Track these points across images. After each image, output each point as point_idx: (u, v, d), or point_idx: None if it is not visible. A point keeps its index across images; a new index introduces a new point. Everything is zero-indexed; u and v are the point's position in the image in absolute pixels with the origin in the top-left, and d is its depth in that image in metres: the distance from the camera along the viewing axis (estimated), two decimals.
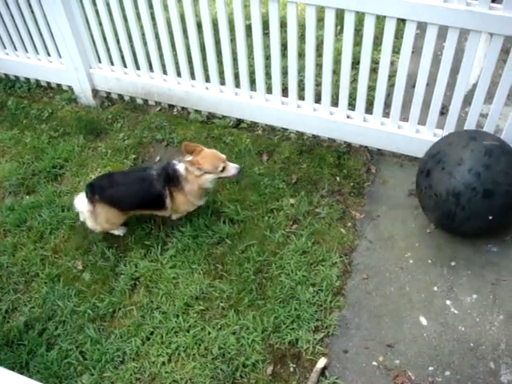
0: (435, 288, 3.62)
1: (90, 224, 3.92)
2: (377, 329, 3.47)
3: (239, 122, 4.91)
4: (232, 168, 3.64)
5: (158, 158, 4.70)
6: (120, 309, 3.72)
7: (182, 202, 3.81)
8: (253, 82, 4.61)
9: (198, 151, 3.60)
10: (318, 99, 4.43)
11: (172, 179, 3.70)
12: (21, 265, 4.04)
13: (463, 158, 3.49)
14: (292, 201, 4.18)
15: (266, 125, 4.81)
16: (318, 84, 4.38)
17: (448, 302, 3.55)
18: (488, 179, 3.41)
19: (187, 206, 3.90)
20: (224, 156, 3.64)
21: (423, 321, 3.48)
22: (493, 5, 3.36)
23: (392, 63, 3.97)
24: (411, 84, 4.05)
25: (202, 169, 3.58)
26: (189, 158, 3.59)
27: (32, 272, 3.99)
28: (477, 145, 3.53)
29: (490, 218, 3.48)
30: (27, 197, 4.52)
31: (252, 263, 3.82)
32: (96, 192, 3.74)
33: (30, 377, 3.33)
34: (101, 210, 3.79)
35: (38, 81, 5.60)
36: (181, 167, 3.68)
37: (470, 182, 3.42)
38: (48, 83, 5.56)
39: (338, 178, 4.31)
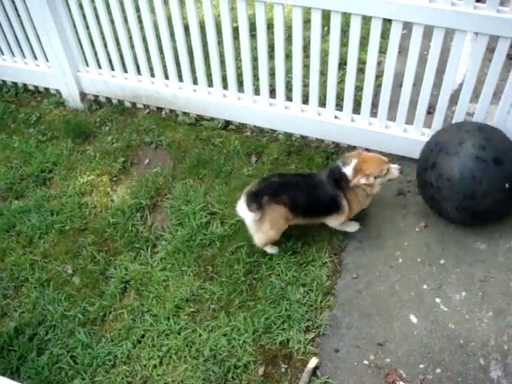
0: (425, 286, 3.63)
1: (255, 238, 3.72)
2: (367, 328, 3.47)
3: (227, 123, 4.90)
4: (394, 170, 3.62)
5: (146, 161, 4.69)
6: (110, 312, 3.70)
7: (356, 206, 3.72)
8: (240, 84, 4.61)
9: (359, 157, 3.56)
10: (305, 100, 4.44)
11: (342, 184, 3.58)
12: (10, 270, 4.02)
13: (462, 137, 3.59)
14: None
15: (255, 126, 4.81)
16: (306, 85, 4.39)
17: (437, 300, 3.56)
18: (492, 149, 3.52)
19: (358, 209, 3.80)
20: (386, 158, 3.61)
21: (413, 319, 3.49)
22: (477, 4, 3.38)
23: (379, 63, 3.99)
24: (398, 84, 4.07)
25: (370, 175, 3.52)
26: (352, 163, 3.53)
27: (21, 277, 3.97)
28: (469, 125, 3.73)
29: (507, 186, 3.50)
30: (16, 201, 4.50)
31: (242, 264, 3.81)
32: (267, 195, 3.52)
33: (21, 382, 3.30)
34: (271, 213, 3.56)
35: (25, 85, 5.57)
36: (348, 171, 3.54)
37: (478, 155, 3.49)
38: (35, 87, 5.54)
39: None
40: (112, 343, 3.55)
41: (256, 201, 3.46)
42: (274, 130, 4.75)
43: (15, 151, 4.90)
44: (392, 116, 4.22)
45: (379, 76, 4.18)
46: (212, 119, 4.93)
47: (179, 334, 3.53)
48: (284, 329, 3.49)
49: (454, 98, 4.04)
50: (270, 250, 3.84)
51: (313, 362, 3.30)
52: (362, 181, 3.49)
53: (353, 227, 3.92)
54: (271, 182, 3.64)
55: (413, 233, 3.92)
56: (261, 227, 3.60)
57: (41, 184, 4.60)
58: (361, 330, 3.47)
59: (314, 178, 3.69)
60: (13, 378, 3.36)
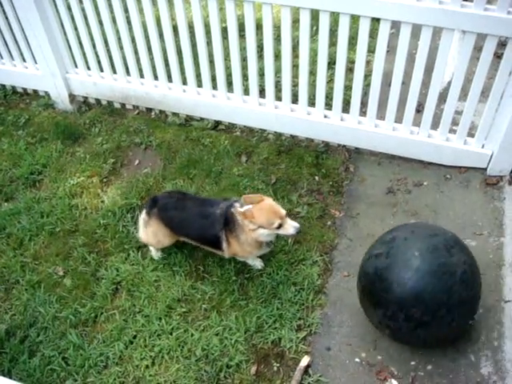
0: None
1: (139, 232, 3.82)
2: (358, 326, 3.48)
3: (217, 123, 4.91)
4: (290, 227, 3.28)
5: (136, 162, 4.69)
6: (102, 313, 3.69)
7: (239, 250, 3.52)
8: (230, 84, 4.61)
9: (257, 201, 3.30)
10: (295, 100, 4.45)
11: (229, 223, 3.41)
12: (0, 272, 4.00)
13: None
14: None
15: (244, 126, 4.82)
16: (295, 85, 4.40)
17: None
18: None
19: (245, 253, 3.59)
20: (283, 212, 3.28)
21: None
22: (464, 3, 3.41)
23: (368, 63, 4.02)
24: (387, 83, 4.08)
25: (255, 223, 3.27)
26: (247, 207, 3.29)
27: (12, 279, 3.95)
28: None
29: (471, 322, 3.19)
30: (6, 204, 4.48)
31: (233, 264, 3.81)
32: (157, 208, 3.61)
33: (15, 380, 3.29)
34: (154, 225, 3.66)
35: (13, 87, 5.56)
36: (239, 212, 3.33)
37: None
38: (24, 89, 5.52)
39: (316, 178, 4.33)
40: (104, 344, 3.54)
41: (151, 206, 3.62)
42: (264, 130, 4.76)
43: (4, 153, 4.88)
44: (381, 115, 4.23)
45: (368, 75, 4.20)
46: (202, 119, 4.93)
47: (171, 334, 3.53)
48: (276, 328, 3.50)
49: (442, 97, 4.07)
50: (154, 252, 3.92)
51: (305, 360, 3.30)
52: (246, 224, 3.31)
53: (255, 264, 3.80)
54: (171, 197, 3.69)
55: None
56: (146, 230, 3.73)
57: (31, 186, 4.59)
58: (352, 328, 3.48)
59: (208, 208, 3.52)
60: None
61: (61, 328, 3.65)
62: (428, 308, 2.93)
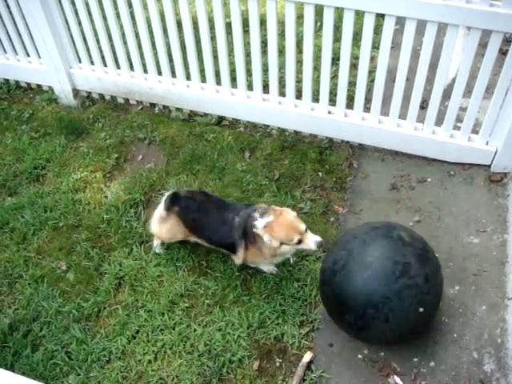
0: None
1: (153, 225, 3.81)
2: None
3: (221, 119, 4.91)
4: (311, 242, 3.20)
5: (140, 157, 4.69)
6: (105, 308, 3.70)
7: (256, 259, 3.54)
8: (234, 80, 4.61)
9: (277, 214, 3.25)
10: (299, 95, 4.45)
11: (249, 234, 3.37)
12: (4, 266, 4.01)
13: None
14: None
15: (248, 122, 4.81)
16: (299, 80, 4.40)
17: None
18: None
19: (261, 263, 3.63)
20: (303, 227, 3.20)
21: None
22: None
23: (372, 59, 4.00)
24: (391, 79, 4.08)
25: (275, 238, 3.22)
26: (268, 219, 3.25)
27: (15, 273, 3.97)
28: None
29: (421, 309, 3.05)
30: (9, 198, 4.49)
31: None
32: (179, 207, 3.59)
33: (18, 374, 3.30)
34: (173, 223, 3.64)
35: (17, 82, 5.56)
36: (259, 224, 3.27)
37: None
38: (28, 84, 5.53)
39: (320, 174, 4.33)
40: (107, 339, 3.55)
41: (172, 203, 3.58)
42: (268, 126, 4.75)
43: (8, 148, 4.89)
44: (385, 111, 4.23)
45: (372, 71, 4.19)
46: (205, 115, 4.93)
47: (174, 329, 3.54)
48: (278, 323, 3.50)
49: (447, 93, 4.06)
50: (157, 247, 3.93)
51: (307, 356, 3.31)
52: (266, 239, 3.25)
53: (270, 269, 3.76)
54: (194, 198, 3.63)
55: (406, 226, 3.90)
56: (161, 225, 3.70)
57: (34, 181, 4.60)
58: None
59: (229, 214, 3.49)
60: None
61: (64, 322, 3.66)
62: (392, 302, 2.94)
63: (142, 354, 3.46)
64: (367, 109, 4.33)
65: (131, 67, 4.89)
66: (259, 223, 3.26)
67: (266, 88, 4.57)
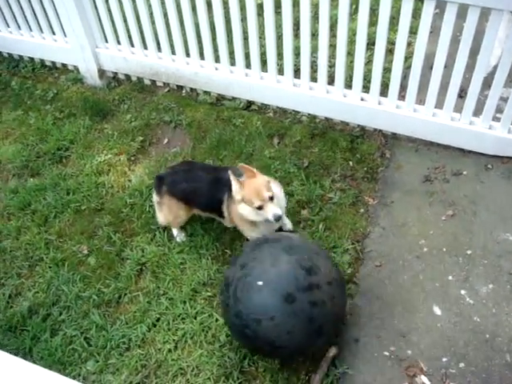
0: (450, 277, 3.60)
1: (157, 216, 3.92)
2: (389, 318, 3.46)
3: (250, 103, 4.89)
4: (269, 212, 3.27)
5: (165, 141, 4.70)
6: (126, 294, 3.73)
7: (235, 219, 3.60)
8: (264, 63, 4.59)
9: (249, 176, 3.34)
10: (331, 81, 4.41)
11: (230, 189, 3.43)
12: (25, 249, 4.07)
13: None
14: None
15: (278, 107, 4.79)
16: (332, 65, 4.36)
17: (463, 292, 3.52)
18: None
19: (240, 226, 3.64)
20: (267, 195, 3.26)
21: (437, 311, 3.47)
22: None
23: (409, 44, 3.95)
24: (428, 66, 4.01)
25: (239, 193, 3.34)
26: (241, 178, 3.34)
27: (36, 256, 4.02)
28: None
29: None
30: (31, 179, 4.54)
31: None
32: (165, 185, 3.70)
33: (34, 363, 3.31)
34: (167, 202, 3.75)
35: (42, 60, 5.60)
36: (234, 181, 3.36)
37: None
38: (53, 63, 5.56)
39: (350, 163, 4.30)
40: (127, 326, 3.57)
41: (160, 185, 3.71)
42: (298, 112, 4.72)
43: (31, 128, 4.94)
44: (421, 99, 4.17)
45: (409, 57, 4.14)
46: (234, 99, 4.92)
47: (195, 318, 3.55)
48: None
49: (487, 82, 3.98)
50: (176, 235, 3.98)
51: (331, 351, 3.27)
52: (233, 191, 3.37)
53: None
54: (176, 172, 3.78)
55: (439, 221, 3.88)
56: (161, 209, 3.81)
57: (57, 162, 4.64)
58: (382, 320, 3.45)
59: (217, 174, 3.62)
60: (25, 359, 3.40)
61: (84, 308, 3.70)
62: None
63: (162, 342, 3.47)
64: (402, 97, 4.27)
65: (158, 48, 4.90)
66: (234, 180, 3.35)
67: (297, 72, 4.54)
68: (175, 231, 3.95)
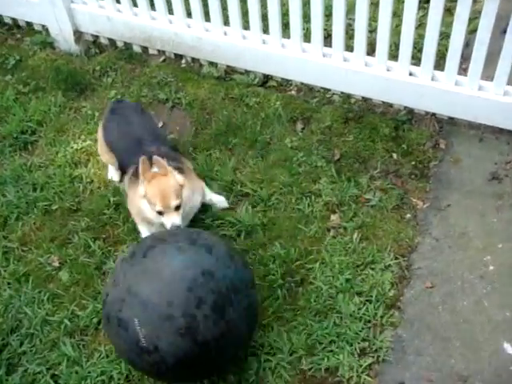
0: None
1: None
2: (444, 356, 3.43)
3: (267, 78, 4.92)
4: (168, 221, 3.54)
5: (160, 124, 4.71)
6: None
7: (130, 204, 3.96)
8: (286, 27, 4.59)
9: (161, 173, 3.58)
10: (371, 51, 4.41)
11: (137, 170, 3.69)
12: None
13: None
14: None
15: (302, 83, 4.81)
16: (372, 30, 4.35)
17: None
18: None
19: (133, 214, 3.95)
20: (174, 203, 3.50)
21: (508, 348, 3.43)
22: None
23: (474, 1, 3.89)
24: (500, 30, 3.97)
25: (143, 188, 3.61)
26: (155, 169, 3.60)
27: None
28: None
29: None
30: None
31: (279, 263, 3.82)
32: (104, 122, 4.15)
33: None
34: (99, 136, 4.18)
35: (0, 17, 5.64)
36: (141, 167, 3.59)
37: None
38: (14, 21, 5.60)
39: (394, 155, 4.31)
40: (107, 360, 3.56)
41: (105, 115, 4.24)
42: (328, 90, 4.74)
43: None
44: (488, 74, 4.14)
45: (473, 18, 4.11)
46: (247, 72, 4.94)
47: None
48: (332, 350, 3.48)
49: None
50: (109, 173, 4.41)
51: None
52: (139, 190, 3.64)
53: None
54: (118, 120, 4.15)
55: (509, 231, 3.86)
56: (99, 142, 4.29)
57: (20, 149, 4.67)
58: (435, 359, 3.43)
59: (142, 144, 3.94)
60: None
61: (52, 336, 3.70)
62: None
63: (152, 381, 3.47)
64: (463, 70, 4.26)
65: (152, 5, 4.91)
66: (141, 172, 3.57)
67: (327, 39, 4.54)
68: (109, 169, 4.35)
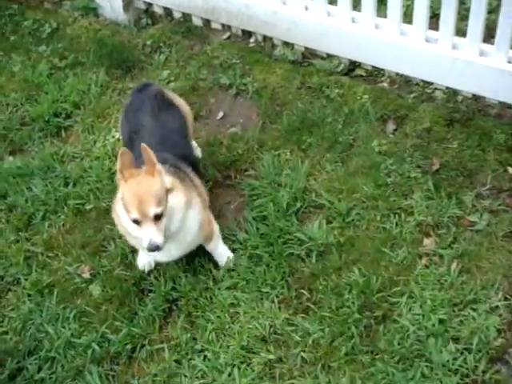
0: None
1: None
2: None
3: (353, 66, 4.92)
4: (145, 235, 3.34)
5: (220, 115, 4.76)
6: (144, 346, 3.75)
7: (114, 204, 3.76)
8: (381, 2, 4.57)
9: (147, 171, 3.42)
10: (488, 36, 4.35)
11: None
12: None
13: None
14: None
15: (397, 74, 4.79)
16: (492, 10, 4.29)
17: None
18: None
19: (116, 221, 3.79)
20: (153, 212, 3.30)
21: None
22: None
23: None
24: None
25: (123, 186, 3.43)
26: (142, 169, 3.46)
27: (9, 276, 4.07)
28: None
29: None
30: (10, 158, 4.64)
31: (357, 293, 3.79)
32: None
33: None
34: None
35: None
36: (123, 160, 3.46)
37: None
38: None
39: (510, 170, 4.23)
40: None
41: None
42: (429, 83, 4.72)
43: (15, 79, 5.06)
44: None
45: None
46: (329, 57, 4.93)
47: None
48: None
49: None
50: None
51: None
52: (117, 176, 3.49)
53: (139, 260, 4.10)
54: (139, 104, 4.06)
55: None
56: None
57: (52, 135, 4.74)
58: None
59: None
60: None
61: (76, 362, 3.72)
62: None
63: None
64: None
65: None
66: (118, 167, 3.42)
67: (433, 20, 4.51)
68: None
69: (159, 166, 3.41)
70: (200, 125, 4.68)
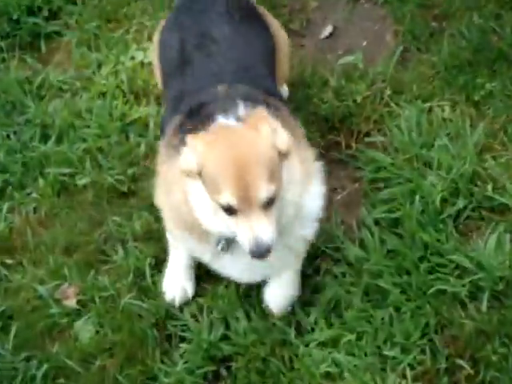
0: None
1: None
2: None
3: None
4: (248, 230, 3.24)
5: (327, 31, 4.57)
6: None
7: (158, 191, 3.83)
8: None
9: (249, 125, 3.28)
10: None
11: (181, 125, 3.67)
12: None
13: None
14: None
15: None
16: None
17: None
18: None
19: (165, 215, 3.81)
20: (264, 193, 3.17)
21: None
22: None
23: None
24: None
25: (196, 158, 3.28)
26: (223, 120, 3.40)
27: None
28: None
29: None
30: None
31: None
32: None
33: None
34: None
35: None
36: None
37: None
38: None
39: None
40: None
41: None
42: None
43: None
44: None
45: None
46: None
47: None
48: None
49: None
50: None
51: None
52: (184, 162, 3.38)
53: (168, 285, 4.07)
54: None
55: None
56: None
57: (23, 47, 4.69)
58: None
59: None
60: None
61: None
62: None
63: None
64: None
65: None
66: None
67: None
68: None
69: (268, 117, 3.16)
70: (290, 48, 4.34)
